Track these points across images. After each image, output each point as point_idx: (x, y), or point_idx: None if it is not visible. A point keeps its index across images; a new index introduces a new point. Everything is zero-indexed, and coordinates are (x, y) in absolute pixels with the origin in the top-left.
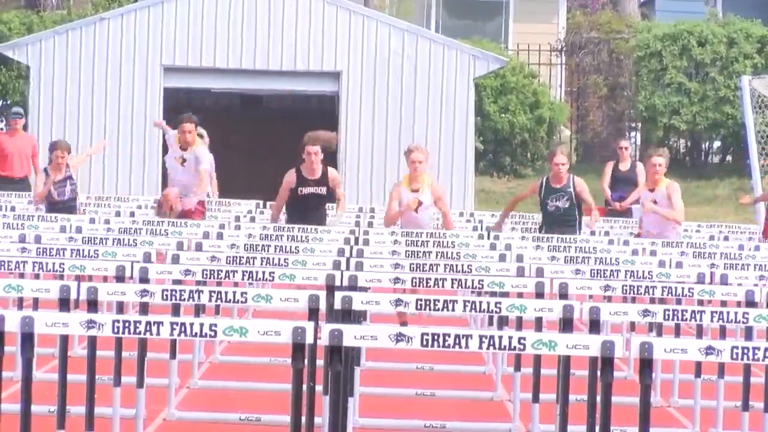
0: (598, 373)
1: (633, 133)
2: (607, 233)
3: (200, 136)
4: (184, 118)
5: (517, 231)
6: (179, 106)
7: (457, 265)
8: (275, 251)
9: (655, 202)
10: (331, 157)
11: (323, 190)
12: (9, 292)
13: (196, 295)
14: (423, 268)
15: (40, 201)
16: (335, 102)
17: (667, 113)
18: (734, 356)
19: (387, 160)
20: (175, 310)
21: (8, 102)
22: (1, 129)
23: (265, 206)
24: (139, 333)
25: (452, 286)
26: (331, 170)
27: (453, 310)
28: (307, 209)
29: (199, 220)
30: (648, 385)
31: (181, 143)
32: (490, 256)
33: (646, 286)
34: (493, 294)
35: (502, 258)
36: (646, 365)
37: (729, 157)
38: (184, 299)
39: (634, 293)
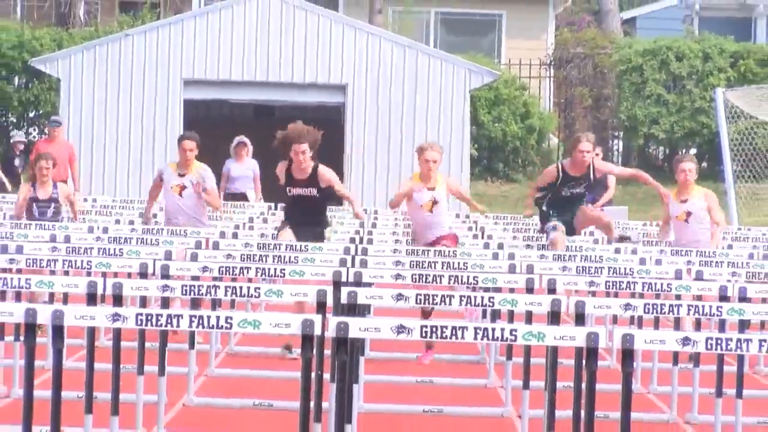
0: (584, 362)
1: (616, 141)
2: (592, 233)
3: (243, 144)
4: (185, 135)
5: (508, 231)
6: (198, 116)
7: (453, 263)
8: (286, 250)
9: (689, 214)
10: (338, 161)
11: (314, 191)
12: (41, 287)
13: (213, 290)
14: (422, 266)
15: (19, 215)
16: (342, 112)
17: (647, 123)
18: (709, 347)
19: (389, 165)
20: (194, 304)
21: (40, 112)
22: (41, 137)
23: (276, 208)
24: (161, 325)
25: (449, 282)
26: (321, 169)
27: (450, 304)
28: (300, 212)
29: None
30: (629, 374)
31: (181, 164)
32: (484, 255)
33: (628, 282)
34: (486, 289)
35: (495, 256)
36: (627, 355)
37: (704, 164)
38: (202, 294)
39: (616, 288)
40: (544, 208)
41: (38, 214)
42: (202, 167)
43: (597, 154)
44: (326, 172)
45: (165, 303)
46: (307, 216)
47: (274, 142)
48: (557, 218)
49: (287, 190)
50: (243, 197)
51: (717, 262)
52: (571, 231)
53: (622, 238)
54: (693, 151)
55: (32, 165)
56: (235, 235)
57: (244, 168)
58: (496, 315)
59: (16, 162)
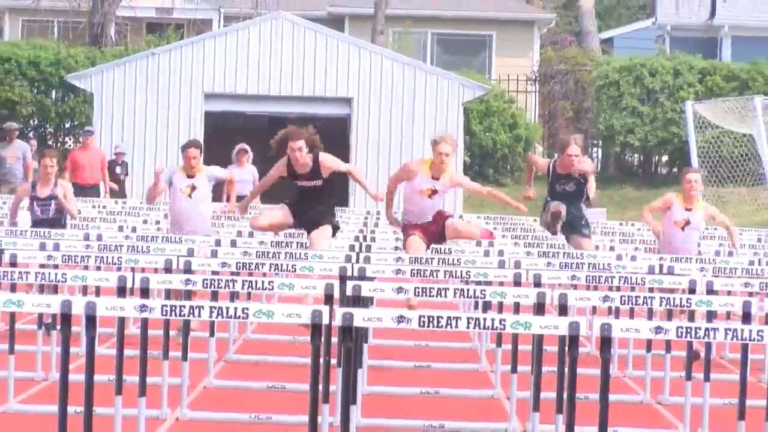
0: (566, 348)
1: (595, 149)
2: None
3: (244, 151)
4: (189, 143)
5: (498, 230)
6: (217, 126)
7: (448, 259)
8: (297, 247)
9: (688, 222)
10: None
11: (318, 183)
12: (75, 281)
13: (231, 284)
14: (420, 261)
15: (13, 219)
16: (348, 123)
17: (623, 132)
18: (679, 334)
19: (390, 169)
20: (214, 296)
21: (75, 123)
22: (76, 145)
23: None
24: (184, 315)
25: (444, 276)
26: (322, 157)
27: (445, 296)
28: (305, 203)
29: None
30: (607, 359)
31: (187, 171)
32: (476, 252)
33: (606, 276)
34: (478, 283)
35: (486, 253)
36: (605, 342)
37: (675, 169)
38: (221, 287)
39: (596, 282)
40: (547, 198)
41: (40, 213)
42: (208, 169)
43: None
44: (327, 159)
45: (187, 295)
46: (314, 206)
47: (272, 148)
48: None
49: (294, 183)
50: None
51: (687, 258)
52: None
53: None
54: (665, 158)
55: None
56: (251, 234)
57: (245, 173)
58: (487, 306)
59: (117, 170)
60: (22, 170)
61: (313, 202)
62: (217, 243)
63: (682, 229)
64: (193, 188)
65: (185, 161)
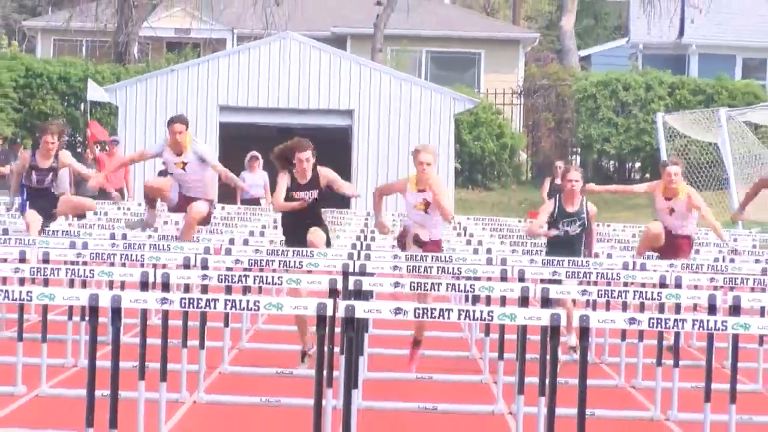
0: (548, 338)
1: (574, 156)
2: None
3: (255, 158)
4: (174, 118)
5: (486, 231)
6: (231, 135)
7: (441, 257)
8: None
9: (672, 210)
10: (346, 172)
11: (315, 194)
12: (102, 276)
13: (243, 279)
14: (415, 258)
15: (15, 192)
16: (349, 133)
17: (600, 141)
18: (651, 325)
19: (389, 174)
20: (228, 290)
21: None
22: (103, 152)
23: None
24: (201, 307)
25: (438, 273)
26: (321, 169)
27: (438, 290)
28: (301, 216)
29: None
30: (585, 347)
31: (173, 146)
32: (467, 250)
33: (584, 272)
34: (468, 278)
35: (476, 251)
36: (584, 332)
37: (647, 174)
38: (235, 282)
39: (575, 277)
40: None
41: (36, 182)
42: (198, 146)
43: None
44: (326, 171)
45: (204, 289)
46: (309, 218)
47: (272, 156)
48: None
49: (292, 195)
50: (256, 201)
51: (657, 255)
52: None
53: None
54: (638, 164)
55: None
56: (262, 233)
57: (257, 177)
58: (476, 299)
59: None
60: (68, 177)
61: (308, 216)
62: (231, 242)
63: (670, 214)
64: (185, 164)
65: (170, 136)
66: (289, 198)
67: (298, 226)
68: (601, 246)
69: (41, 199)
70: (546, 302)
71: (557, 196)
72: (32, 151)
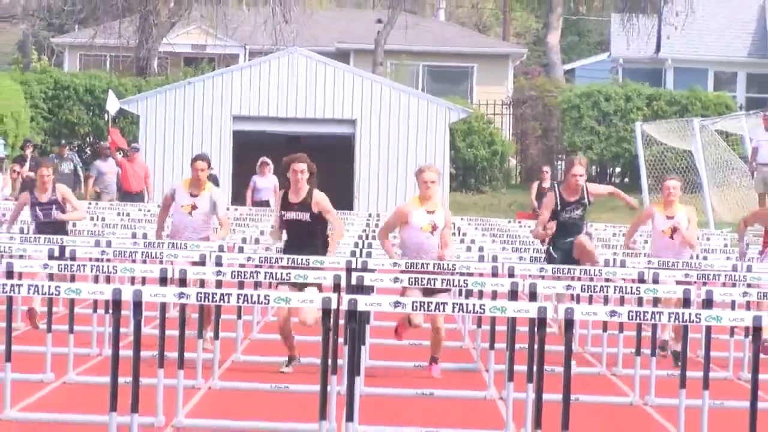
0: (535, 329)
1: (560, 162)
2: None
3: (266, 163)
4: (198, 156)
5: (479, 231)
6: (243, 143)
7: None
8: None
9: (674, 230)
10: (349, 176)
11: (306, 216)
12: (124, 272)
13: (255, 275)
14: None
15: (11, 223)
16: (352, 140)
17: (583, 148)
18: (630, 317)
19: (389, 178)
20: (240, 285)
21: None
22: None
23: None
24: (215, 301)
25: (433, 269)
26: (316, 193)
27: (434, 285)
28: (296, 238)
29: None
30: (570, 338)
31: (192, 183)
32: (461, 248)
33: (569, 268)
34: (462, 274)
35: (469, 249)
36: (568, 324)
37: (627, 179)
38: (247, 277)
39: (560, 273)
40: (547, 245)
41: (42, 216)
42: (215, 191)
43: (546, 172)
44: (320, 198)
45: (219, 285)
46: (304, 241)
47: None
48: (559, 252)
49: (282, 216)
50: (267, 204)
51: (636, 252)
52: (572, 261)
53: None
54: (618, 169)
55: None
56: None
57: (267, 181)
58: (469, 293)
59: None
60: (116, 183)
61: (306, 239)
62: (243, 241)
63: (671, 237)
64: (194, 207)
65: (193, 173)
66: (280, 217)
67: (292, 246)
68: None
69: (49, 228)
70: (533, 296)
71: (557, 188)
72: (30, 190)
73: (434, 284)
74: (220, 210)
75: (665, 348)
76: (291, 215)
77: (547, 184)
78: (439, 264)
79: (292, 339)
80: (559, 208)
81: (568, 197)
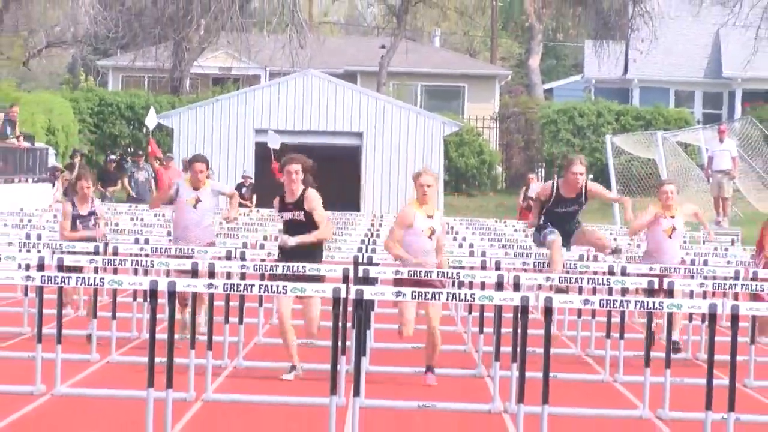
0: (519, 315)
1: (540, 170)
2: (524, 230)
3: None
4: (196, 157)
5: (469, 230)
6: (264, 153)
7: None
8: None
9: (674, 229)
10: (356, 183)
11: (300, 215)
12: (160, 266)
13: (274, 268)
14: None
15: (66, 236)
16: (359, 150)
17: (560, 158)
18: (602, 305)
19: (391, 184)
20: (261, 277)
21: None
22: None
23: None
24: (239, 291)
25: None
26: (309, 192)
27: (431, 277)
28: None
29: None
30: (549, 323)
31: (193, 184)
32: (453, 245)
33: (548, 262)
34: (455, 267)
35: (460, 246)
36: (548, 311)
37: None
38: (267, 270)
39: (540, 267)
40: (541, 221)
41: (82, 228)
42: (213, 182)
43: (531, 178)
44: (312, 196)
45: (242, 276)
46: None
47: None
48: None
49: (280, 216)
50: None
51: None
52: (565, 243)
53: (614, 251)
54: (590, 176)
55: (74, 184)
56: None
57: None
58: (461, 284)
59: (243, 190)
60: (149, 188)
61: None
62: (264, 238)
63: (670, 237)
64: (198, 200)
65: (192, 174)
66: (281, 218)
67: (288, 251)
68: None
69: (88, 240)
70: (517, 287)
71: (556, 183)
72: (71, 201)
73: (431, 276)
74: (226, 187)
75: (678, 349)
76: (288, 215)
77: (532, 191)
78: (441, 272)
79: (293, 345)
80: (553, 202)
81: (566, 194)
